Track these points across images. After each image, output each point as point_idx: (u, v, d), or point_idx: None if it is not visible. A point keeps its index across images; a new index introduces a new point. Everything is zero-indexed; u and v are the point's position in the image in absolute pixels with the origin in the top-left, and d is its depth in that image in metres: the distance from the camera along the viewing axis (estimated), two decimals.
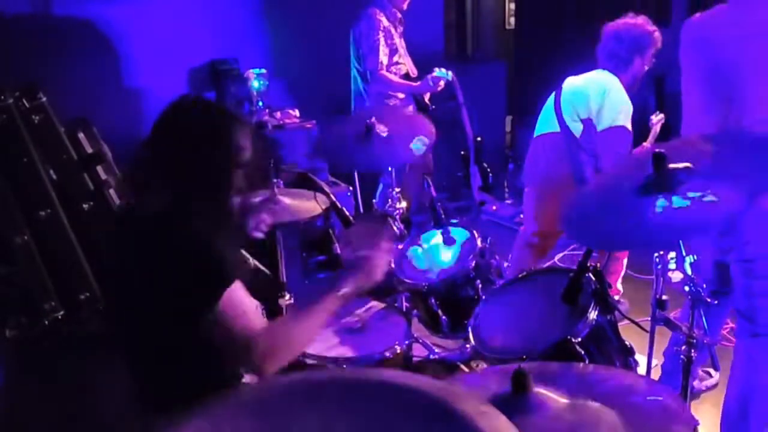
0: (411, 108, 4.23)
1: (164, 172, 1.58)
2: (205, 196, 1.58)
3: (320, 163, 4.24)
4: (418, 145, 2.70)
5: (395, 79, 4.04)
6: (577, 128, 3.00)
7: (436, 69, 4.05)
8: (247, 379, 1.71)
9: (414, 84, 4.11)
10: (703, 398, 2.77)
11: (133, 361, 1.69)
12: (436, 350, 2.77)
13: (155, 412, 1.60)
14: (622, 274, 3.35)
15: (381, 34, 3.95)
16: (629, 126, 2.94)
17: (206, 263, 1.51)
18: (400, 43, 4.12)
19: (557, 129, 3.05)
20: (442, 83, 4.06)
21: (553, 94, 3.14)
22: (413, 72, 4.20)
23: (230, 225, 1.67)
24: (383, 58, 3.95)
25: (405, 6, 4.12)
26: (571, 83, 3.10)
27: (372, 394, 1.00)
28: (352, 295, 1.71)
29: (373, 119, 2.78)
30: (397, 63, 4.05)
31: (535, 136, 3.22)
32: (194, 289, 1.51)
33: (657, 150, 1.69)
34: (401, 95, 4.15)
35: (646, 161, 1.64)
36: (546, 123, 3.15)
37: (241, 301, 1.55)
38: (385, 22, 3.99)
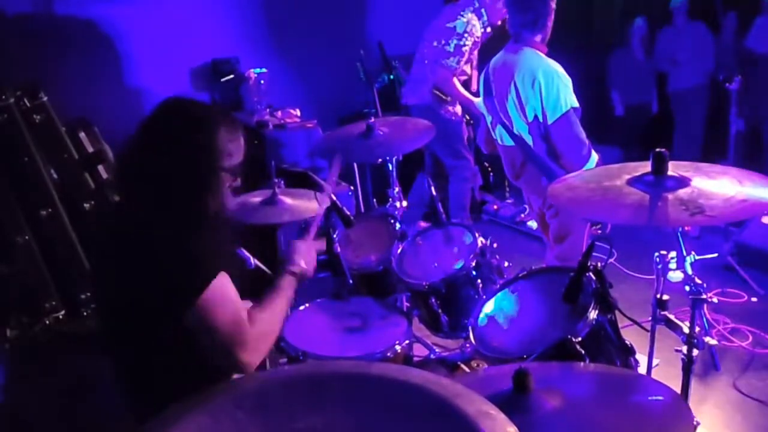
0: (464, 123, 4.28)
1: (147, 175, 1.56)
2: (188, 198, 1.57)
3: (321, 162, 4.24)
4: None
5: (460, 88, 4.02)
6: (528, 138, 2.85)
7: None
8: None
9: (472, 98, 4.04)
10: (703, 398, 2.78)
11: (119, 360, 1.68)
12: (437, 350, 2.77)
13: (151, 410, 1.59)
14: None
15: (471, 41, 3.95)
16: (575, 101, 2.73)
17: (179, 266, 1.49)
18: (475, 56, 4.14)
19: (512, 143, 2.93)
20: None
21: (484, 87, 3.00)
22: (473, 87, 4.20)
23: (215, 224, 1.64)
24: (463, 65, 3.97)
25: (499, 23, 4.03)
26: (498, 82, 2.89)
27: (374, 389, 1.00)
28: (303, 271, 1.81)
29: (373, 119, 2.79)
30: (464, 72, 4.07)
31: (496, 137, 3.07)
32: (169, 290, 1.49)
33: (657, 150, 1.70)
34: (458, 108, 4.16)
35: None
36: (496, 129, 3.02)
37: (227, 297, 1.53)
38: (478, 32, 3.98)
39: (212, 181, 1.58)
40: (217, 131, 1.57)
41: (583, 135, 2.77)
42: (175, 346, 1.55)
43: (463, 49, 3.92)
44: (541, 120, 2.78)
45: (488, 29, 4.05)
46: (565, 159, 2.80)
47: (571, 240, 2.99)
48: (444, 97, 4.08)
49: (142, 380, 1.64)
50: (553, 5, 2.84)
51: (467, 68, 4.09)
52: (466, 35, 3.91)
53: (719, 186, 1.64)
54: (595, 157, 2.84)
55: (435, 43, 4.02)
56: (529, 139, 2.85)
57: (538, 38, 2.83)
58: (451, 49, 3.92)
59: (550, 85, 2.71)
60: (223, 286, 1.52)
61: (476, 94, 4.10)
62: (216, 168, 1.58)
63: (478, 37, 3.98)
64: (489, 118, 3.08)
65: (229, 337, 1.51)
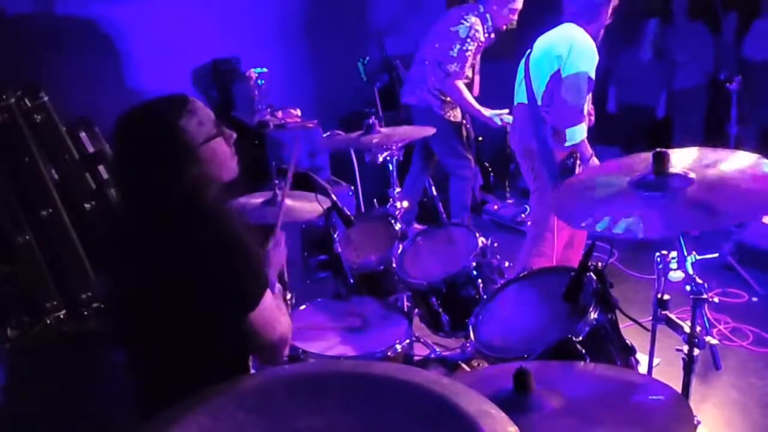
0: (465, 130, 4.23)
1: (143, 189, 1.57)
2: (199, 182, 1.57)
3: (321, 162, 4.24)
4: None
5: (467, 94, 3.96)
6: (541, 93, 3.02)
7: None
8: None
9: (482, 109, 4.00)
10: (704, 397, 2.78)
11: (139, 358, 1.69)
12: (438, 349, 2.77)
13: (156, 408, 1.60)
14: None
15: (475, 46, 3.90)
16: (593, 74, 2.94)
17: (246, 272, 1.55)
18: (478, 60, 4.10)
19: (526, 100, 3.08)
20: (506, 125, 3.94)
21: (526, 54, 3.14)
22: (476, 92, 4.15)
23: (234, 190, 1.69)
24: (467, 70, 3.92)
25: (504, 28, 4.04)
26: (539, 44, 3.10)
27: (375, 389, 1.00)
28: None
29: (373, 118, 2.79)
30: (466, 77, 3.99)
31: (514, 103, 3.24)
32: (225, 298, 1.54)
33: (658, 150, 1.70)
34: (458, 112, 4.11)
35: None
36: (519, 90, 3.18)
37: (274, 308, 1.61)
38: (481, 37, 3.93)
39: (205, 158, 1.58)
40: (175, 121, 1.55)
41: (583, 102, 2.93)
42: (206, 342, 1.59)
43: (467, 54, 3.87)
44: (560, 68, 2.92)
45: (492, 35, 4.00)
46: (556, 108, 2.95)
47: (542, 208, 3.14)
48: (444, 97, 4.06)
49: (163, 374, 1.64)
50: (606, 11, 3.00)
51: (469, 72, 4.04)
52: (469, 40, 3.86)
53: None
54: (583, 131, 2.94)
55: (437, 45, 3.97)
56: (540, 94, 3.01)
57: (589, 27, 2.99)
58: (455, 54, 3.86)
59: (579, 48, 2.91)
60: (270, 297, 1.60)
61: (478, 99, 4.07)
62: (197, 147, 1.57)
63: (481, 42, 3.93)
64: (518, 80, 3.20)
65: (277, 341, 1.62)
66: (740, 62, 5.02)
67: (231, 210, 1.67)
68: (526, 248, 3.24)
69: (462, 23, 3.90)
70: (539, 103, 3.01)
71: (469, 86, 4.08)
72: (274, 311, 1.61)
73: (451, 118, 4.08)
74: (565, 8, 3.06)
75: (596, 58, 2.93)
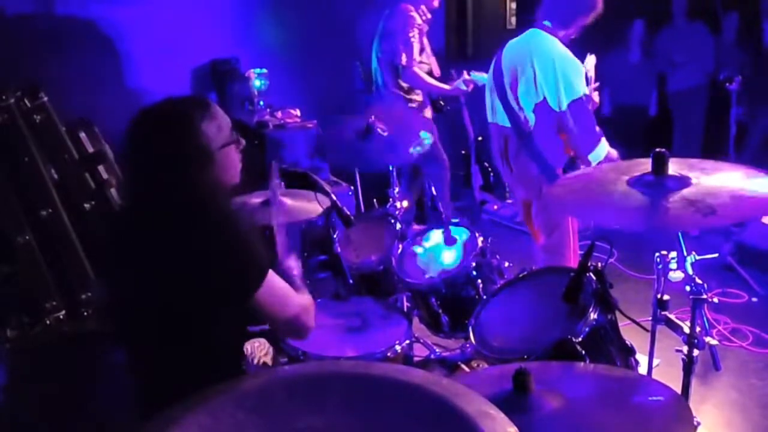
0: (429, 110, 4.27)
1: (156, 187, 1.58)
2: (206, 187, 1.58)
3: (321, 162, 4.24)
4: (418, 148, 2.76)
5: (426, 77, 4.04)
6: (530, 118, 2.90)
7: (474, 72, 4.05)
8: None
9: (444, 86, 4.09)
10: (704, 398, 2.78)
11: (139, 357, 1.69)
12: (437, 350, 2.77)
13: (156, 408, 1.60)
14: None
15: (416, 31, 3.98)
16: (587, 90, 2.86)
17: (243, 258, 1.55)
18: (426, 42, 4.15)
19: (508, 124, 2.97)
20: (471, 86, 4.05)
21: (494, 63, 3.03)
22: (437, 72, 4.21)
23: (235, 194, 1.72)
24: (416, 55, 3.99)
25: (436, 4, 4.15)
26: (510, 60, 2.94)
27: (374, 390, 1.00)
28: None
29: (374, 118, 2.78)
30: (421, 62, 4.06)
31: (489, 120, 3.13)
32: (231, 282, 1.55)
33: (657, 150, 1.70)
34: (419, 96, 4.17)
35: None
36: (495, 108, 3.04)
37: (277, 286, 1.61)
38: (418, 19, 4.02)
39: (218, 163, 1.60)
40: (197, 123, 1.57)
41: (593, 120, 2.86)
42: (206, 342, 1.60)
43: (411, 40, 3.96)
44: (551, 103, 2.83)
45: (428, 14, 4.11)
46: (571, 140, 2.87)
47: (559, 233, 3.04)
48: (405, 95, 4.11)
49: (163, 374, 1.64)
50: (586, 19, 2.90)
51: (423, 58, 4.11)
52: (408, 28, 3.96)
53: (721, 181, 1.63)
54: (605, 146, 2.86)
55: (383, 46, 4.09)
56: (531, 119, 2.89)
57: (560, 33, 2.89)
58: (401, 46, 3.96)
59: (565, 72, 2.79)
60: (276, 279, 1.61)
61: (440, 80, 4.16)
62: (214, 151, 1.59)
63: (420, 24, 4.03)
64: (490, 97, 3.11)
65: (291, 318, 1.65)
66: (755, 66, 4.99)
67: (232, 211, 1.68)
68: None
69: (397, 15, 4.01)
70: (531, 125, 2.89)
71: (430, 73, 4.15)
72: (282, 291, 1.62)
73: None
74: (542, 8, 2.95)
75: (582, 70, 2.83)
